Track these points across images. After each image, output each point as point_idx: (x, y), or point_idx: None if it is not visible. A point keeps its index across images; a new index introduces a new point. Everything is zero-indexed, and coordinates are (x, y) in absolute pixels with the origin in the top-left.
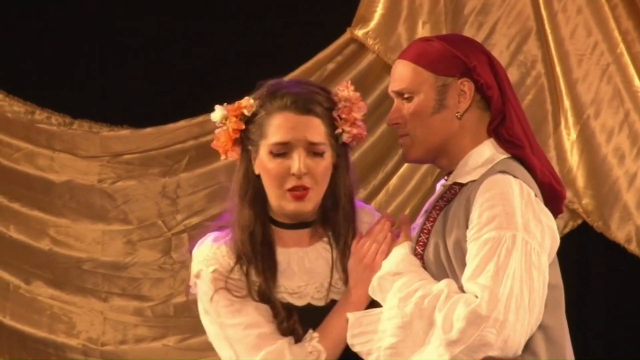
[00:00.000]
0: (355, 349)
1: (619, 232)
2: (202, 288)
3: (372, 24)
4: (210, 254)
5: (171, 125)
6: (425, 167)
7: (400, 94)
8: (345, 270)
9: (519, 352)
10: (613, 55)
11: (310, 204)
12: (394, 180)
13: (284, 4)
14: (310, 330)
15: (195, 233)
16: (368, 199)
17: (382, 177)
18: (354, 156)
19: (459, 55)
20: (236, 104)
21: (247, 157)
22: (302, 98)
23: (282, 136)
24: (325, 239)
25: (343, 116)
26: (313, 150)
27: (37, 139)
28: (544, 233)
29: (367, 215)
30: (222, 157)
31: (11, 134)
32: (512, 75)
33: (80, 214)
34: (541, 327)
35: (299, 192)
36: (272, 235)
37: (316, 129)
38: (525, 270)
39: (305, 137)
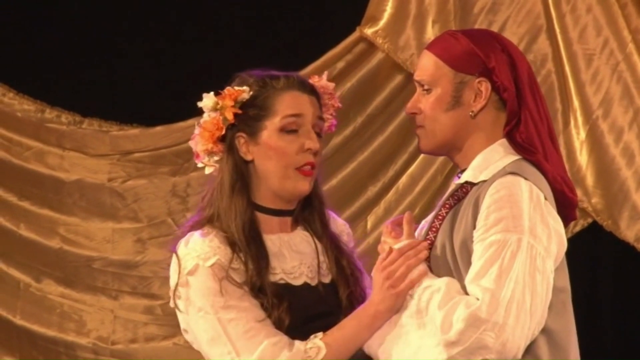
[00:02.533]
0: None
1: (629, 231)
2: (202, 284)
3: (382, 23)
4: (206, 248)
5: (181, 124)
6: (435, 166)
7: (420, 84)
8: (328, 257)
9: (519, 356)
10: (622, 54)
11: (310, 185)
12: (403, 179)
13: (294, 3)
14: (320, 333)
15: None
16: (378, 197)
17: (392, 175)
18: (363, 154)
19: (480, 55)
20: (228, 90)
21: (234, 147)
22: (303, 79)
23: (296, 109)
24: (302, 227)
25: (329, 102)
26: (317, 130)
27: (47, 138)
28: (550, 237)
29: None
30: (199, 162)
31: (21, 133)
32: None
33: (91, 213)
34: (545, 331)
35: (308, 170)
36: (258, 223)
37: (319, 108)
38: (528, 274)
39: (314, 113)
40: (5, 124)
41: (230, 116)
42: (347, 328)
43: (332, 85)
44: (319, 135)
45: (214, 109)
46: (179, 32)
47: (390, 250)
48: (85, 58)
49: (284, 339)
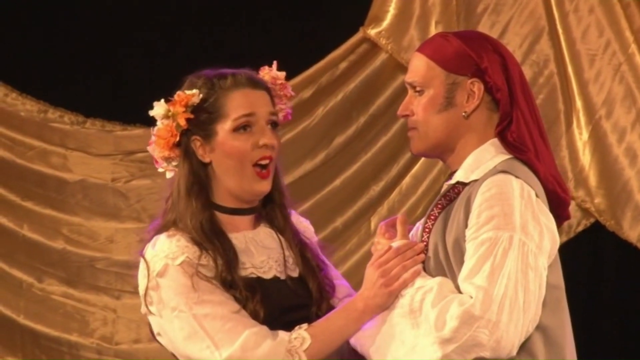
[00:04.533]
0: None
1: (631, 232)
2: (173, 283)
3: (385, 23)
4: (173, 248)
5: None
6: (438, 167)
7: (412, 86)
8: (293, 251)
9: (513, 353)
10: (625, 55)
11: (269, 184)
12: (407, 180)
13: (298, 4)
14: (305, 324)
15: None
16: (381, 198)
17: (395, 175)
18: (366, 155)
19: (472, 55)
20: (178, 96)
21: (190, 151)
22: (251, 75)
23: (246, 108)
24: (265, 223)
25: (281, 93)
26: (272, 122)
27: (51, 138)
28: (542, 234)
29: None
30: (159, 168)
31: (24, 133)
32: (525, 74)
33: (94, 213)
34: (539, 328)
35: (264, 171)
36: (220, 223)
37: (270, 102)
38: (520, 272)
39: (266, 109)
40: (9, 124)
41: (182, 122)
42: (333, 320)
43: (282, 74)
44: (276, 126)
45: (166, 116)
46: (182, 33)
47: (388, 248)
48: (88, 58)
49: (265, 328)
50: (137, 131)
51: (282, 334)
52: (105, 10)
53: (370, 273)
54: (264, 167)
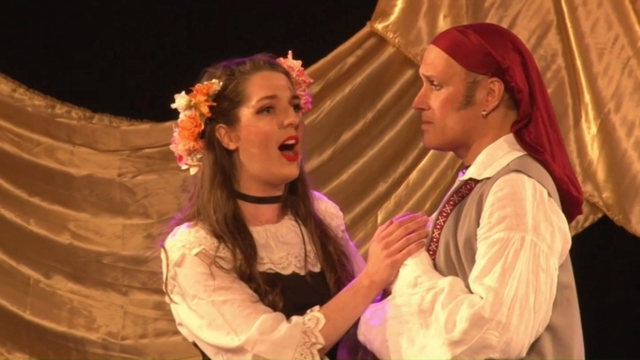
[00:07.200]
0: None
1: (639, 226)
2: (191, 271)
3: (392, 17)
4: (191, 238)
5: None
6: (445, 161)
7: (429, 80)
8: (315, 245)
9: (523, 354)
10: (634, 49)
11: (297, 168)
12: (414, 174)
13: None
14: (317, 306)
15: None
16: (388, 193)
17: (402, 170)
18: (373, 150)
19: (493, 54)
20: (198, 86)
21: (214, 140)
22: (270, 58)
23: (268, 90)
24: (290, 216)
25: (300, 79)
26: (294, 104)
27: (58, 133)
28: (554, 235)
29: (314, 196)
30: (182, 165)
31: (31, 128)
32: None
33: (100, 208)
34: (549, 328)
35: (291, 153)
36: (244, 214)
37: (290, 85)
38: (532, 273)
39: (288, 90)
40: (16, 120)
41: (205, 110)
42: (343, 299)
43: (298, 63)
44: (298, 108)
45: (188, 106)
46: (189, 28)
47: (390, 222)
48: (95, 53)
49: (281, 314)
50: (144, 126)
51: (296, 318)
52: (113, 5)
53: (374, 247)
54: (290, 148)
